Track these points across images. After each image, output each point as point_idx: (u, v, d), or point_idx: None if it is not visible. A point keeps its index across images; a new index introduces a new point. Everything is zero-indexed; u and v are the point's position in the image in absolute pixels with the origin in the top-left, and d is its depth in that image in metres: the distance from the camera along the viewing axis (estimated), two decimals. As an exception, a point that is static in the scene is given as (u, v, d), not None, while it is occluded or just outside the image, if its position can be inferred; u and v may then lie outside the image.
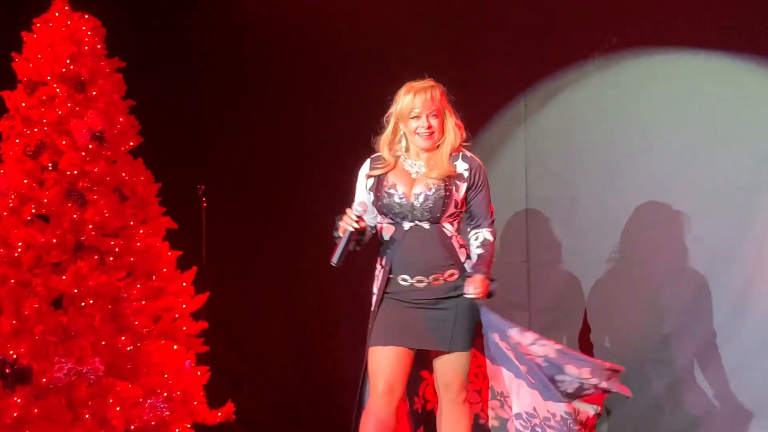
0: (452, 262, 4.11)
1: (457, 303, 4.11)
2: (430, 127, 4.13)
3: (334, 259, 4.04)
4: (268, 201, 6.18)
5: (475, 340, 4.17)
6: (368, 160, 4.25)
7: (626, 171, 5.57)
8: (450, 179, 4.12)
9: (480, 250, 4.18)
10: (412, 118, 4.13)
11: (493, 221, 4.26)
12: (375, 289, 4.16)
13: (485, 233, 4.22)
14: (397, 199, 4.11)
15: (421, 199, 4.09)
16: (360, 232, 4.06)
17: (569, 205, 5.69)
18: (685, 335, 5.44)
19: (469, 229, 4.25)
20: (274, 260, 6.18)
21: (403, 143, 4.21)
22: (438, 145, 4.17)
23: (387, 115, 4.20)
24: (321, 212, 5.95)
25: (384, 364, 4.04)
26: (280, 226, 6.13)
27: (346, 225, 4.03)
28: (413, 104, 4.11)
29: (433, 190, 4.10)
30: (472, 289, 4.06)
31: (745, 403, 5.31)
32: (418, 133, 4.13)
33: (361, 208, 4.07)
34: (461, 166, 4.16)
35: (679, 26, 5.46)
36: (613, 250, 5.58)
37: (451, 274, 4.11)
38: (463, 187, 4.14)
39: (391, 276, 4.11)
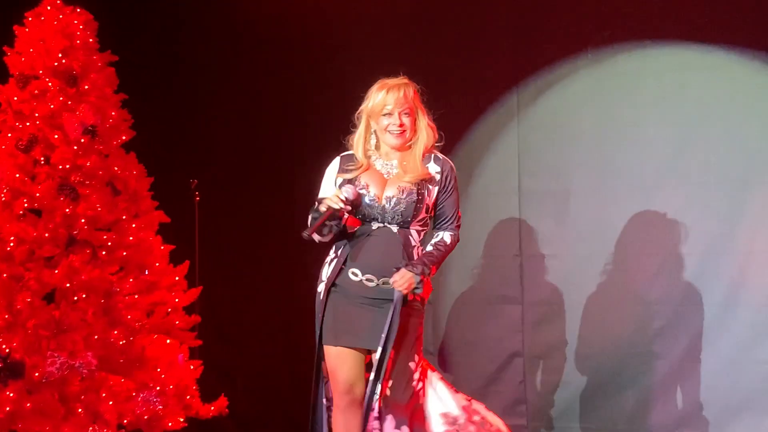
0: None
1: (396, 306, 4.04)
2: (402, 125, 4.08)
3: (306, 232, 4.00)
4: (260, 195, 6.18)
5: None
6: (338, 158, 4.19)
7: (619, 164, 5.58)
8: (423, 183, 4.08)
9: (429, 248, 4.12)
10: (384, 115, 4.08)
11: (458, 225, 4.20)
12: (324, 276, 4.12)
13: (445, 235, 4.16)
14: (368, 200, 4.06)
15: (393, 202, 4.05)
16: (339, 216, 4.01)
17: (562, 199, 5.69)
18: (677, 328, 5.45)
19: (433, 229, 4.22)
20: (267, 254, 6.18)
21: (373, 141, 4.16)
22: (410, 146, 4.12)
23: (358, 112, 4.16)
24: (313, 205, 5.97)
25: (338, 363, 4.07)
26: (272, 220, 6.13)
27: (332, 203, 3.99)
28: (385, 101, 4.06)
29: (406, 194, 4.06)
30: (397, 279, 3.98)
31: (737, 397, 5.32)
32: (389, 131, 4.09)
33: (351, 193, 4.01)
34: (433, 168, 4.13)
35: (672, 20, 5.46)
36: (606, 243, 5.59)
37: None
38: (435, 190, 4.11)
39: (343, 267, 4.08)
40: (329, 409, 4.18)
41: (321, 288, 4.14)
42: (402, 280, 3.99)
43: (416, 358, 4.10)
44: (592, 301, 5.62)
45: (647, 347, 5.51)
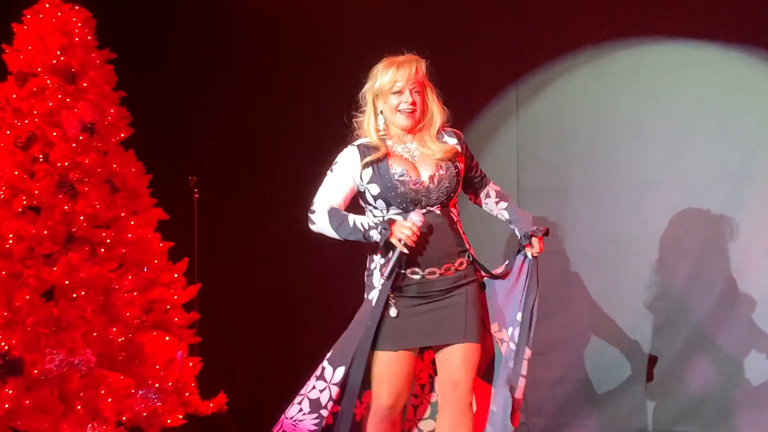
0: (462, 250, 3.91)
1: (467, 290, 3.91)
2: (414, 103, 3.86)
3: (386, 274, 3.80)
4: (259, 192, 6.18)
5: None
6: (354, 149, 3.91)
7: (617, 160, 5.58)
8: (453, 157, 3.92)
9: (504, 204, 4.09)
10: (394, 93, 3.86)
11: (488, 177, 4.18)
12: (377, 283, 3.87)
13: (493, 186, 4.14)
14: (412, 186, 3.82)
15: (436, 181, 3.85)
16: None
17: (560, 195, 5.69)
18: (677, 325, 5.45)
19: (477, 196, 4.15)
20: (266, 251, 6.18)
21: (381, 124, 3.93)
22: (421, 127, 3.93)
23: (362, 93, 3.94)
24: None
25: (391, 372, 3.84)
26: (271, 217, 6.13)
27: (406, 239, 3.74)
28: (395, 78, 3.84)
29: (445, 169, 3.87)
30: (536, 251, 3.98)
31: (737, 392, 5.32)
32: (399, 110, 3.87)
33: (420, 220, 3.79)
34: (451, 141, 3.97)
35: (671, 16, 5.46)
36: (604, 239, 5.59)
37: (461, 263, 3.90)
38: (464, 160, 3.98)
39: (401, 271, 3.84)
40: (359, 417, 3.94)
41: (374, 295, 3.86)
42: (538, 245, 3.98)
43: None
44: (590, 297, 5.62)
45: (646, 343, 5.51)
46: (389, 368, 3.84)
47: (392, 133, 3.94)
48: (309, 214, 3.92)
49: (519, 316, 3.97)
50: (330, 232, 3.87)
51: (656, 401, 5.48)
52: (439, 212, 3.87)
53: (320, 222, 3.89)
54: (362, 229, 3.81)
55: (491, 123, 5.82)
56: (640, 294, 5.52)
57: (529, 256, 4.00)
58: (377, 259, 3.90)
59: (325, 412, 3.87)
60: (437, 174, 3.87)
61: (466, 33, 5.81)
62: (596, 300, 5.62)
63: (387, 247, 3.81)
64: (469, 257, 3.93)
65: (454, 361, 3.88)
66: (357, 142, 3.94)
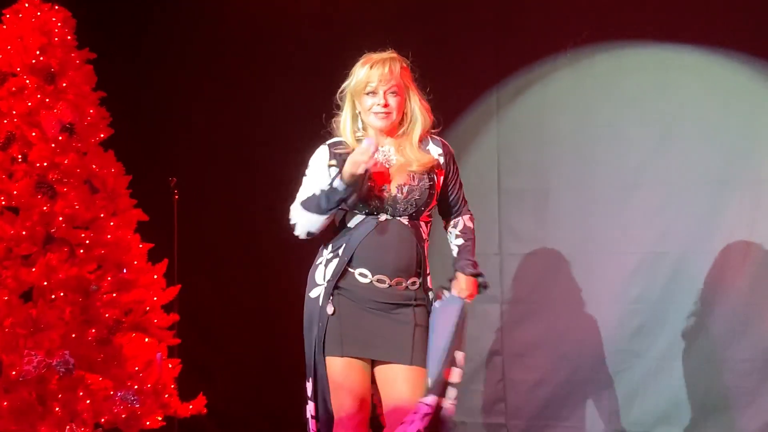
0: (419, 270, 3.67)
1: (416, 312, 3.65)
2: (386, 105, 3.62)
3: (352, 201, 3.54)
4: (239, 193, 6.17)
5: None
6: (325, 148, 3.70)
7: (597, 163, 5.60)
8: (431, 169, 3.68)
9: (460, 240, 3.76)
10: (367, 93, 3.63)
11: (468, 208, 3.86)
12: (320, 279, 3.65)
13: (465, 220, 3.80)
14: (377, 192, 3.60)
15: (405, 190, 3.62)
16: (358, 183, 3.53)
17: (541, 197, 5.71)
18: (656, 327, 5.47)
19: (447, 220, 3.86)
20: (246, 252, 6.17)
21: (360, 123, 3.71)
22: (403, 132, 3.69)
23: (341, 90, 3.72)
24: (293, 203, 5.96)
25: (348, 376, 3.59)
26: (251, 218, 6.12)
27: (361, 159, 3.47)
28: (369, 77, 3.61)
29: (417, 180, 3.63)
30: (464, 292, 3.65)
31: (715, 395, 5.35)
32: (373, 112, 3.63)
33: (372, 144, 3.51)
34: (435, 151, 3.72)
35: (651, 20, 5.49)
36: (585, 242, 5.61)
37: (413, 283, 3.66)
38: (441, 175, 3.72)
39: (348, 269, 3.62)
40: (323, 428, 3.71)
41: (319, 292, 3.65)
42: (471, 288, 3.67)
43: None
44: (571, 299, 5.63)
45: (626, 346, 5.53)
46: (341, 375, 3.61)
47: (370, 132, 3.71)
48: (289, 221, 3.71)
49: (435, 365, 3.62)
50: (312, 219, 3.63)
51: (636, 403, 5.50)
52: (406, 222, 3.64)
53: (297, 218, 3.67)
54: (327, 189, 3.58)
55: (472, 126, 5.83)
56: (619, 296, 5.54)
57: (446, 295, 3.69)
58: (325, 254, 3.69)
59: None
60: (408, 185, 3.63)
61: (447, 36, 5.82)
62: (576, 302, 5.63)
63: (351, 192, 3.55)
64: (422, 282, 3.68)
65: (399, 384, 3.60)
66: (329, 141, 3.75)
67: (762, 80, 5.31)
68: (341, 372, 3.61)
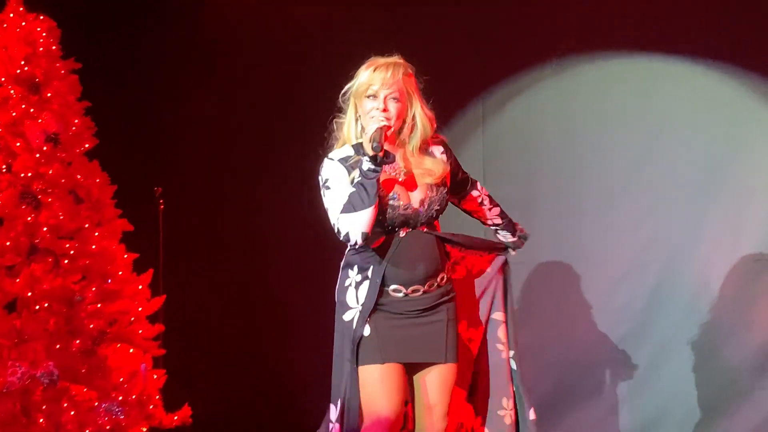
0: (444, 264, 3.73)
1: (448, 308, 3.71)
2: (386, 110, 3.57)
3: (378, 146, 3.46)
4: (225, 202, 6.16)
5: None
6: (337, 164, 3.63)
7: (583, 172, 5.61)
8: (444, 177, 3.70)
9: (497, 210, 4.01)
10: (368, 97, 3.59)
11: (473, 178, 3.94)
12: (353, 302, 3.63)
13: (482, 190, 3.95)
14: (402, 211, 3.60)
15: (426, 204, 3.64)
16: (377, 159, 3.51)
17: (526, 206, 5.69)
18: (641, 336, 5.48)
19: (461, 200, 3.93)
20: (231, 262, 6.16)
21: (361, 127, 3.66)
22: (404, 140, 3.67)
23: (344, 92, 3.66)
24: (279, 213, 5.97)
25: (386, 385, 3.57)
26: (237, 228, 6.11)
27: (383, 123, 3.52)
28: (371, 80, 3.57)
29: (435, 191, 3.65)
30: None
31: (700, 403, 5.36)
32: (372, 116, 3.57)
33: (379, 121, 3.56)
34: (437, 151, 3.74)
35: (635, 30, 5.51)
36: (571, 251, 5.62)
37: (443, 278, 3.71)
38: (448, 176, 3.75)
39: (383, 288, 3.61)
40: None
41: (353, 315, 3.62)
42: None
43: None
44: (556, 307, 5.64)
45: (612, 354, 5.53)
46: (380, 381, 3.58)
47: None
48: (340, 235, 3.59)
49: (497, 315, 3.91)
50: (360, 218, 3.52)
51: (622, 411, 5.51)
52: (424, 230, 3.66)
53: (347, 226, 3.55)
54: (360, 178, 3.52)
55: (457, 135, 5.82)
56: (605, 304, 5.55)
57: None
58: (353, 275, 3.67)
59: None
60: (428, 198, 3.65)
61: (432, 45, 5.82)
62: (562, 311, 5.64)
63: (380, 162, 3.52)
64: (447, 274, 3.74)
65: (432, 384, 3.68)
66: (336, 157, 3.66)
67: (745, 90, 5.34)
68: (380, 378, 3.58)
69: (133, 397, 4.93)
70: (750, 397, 5.28)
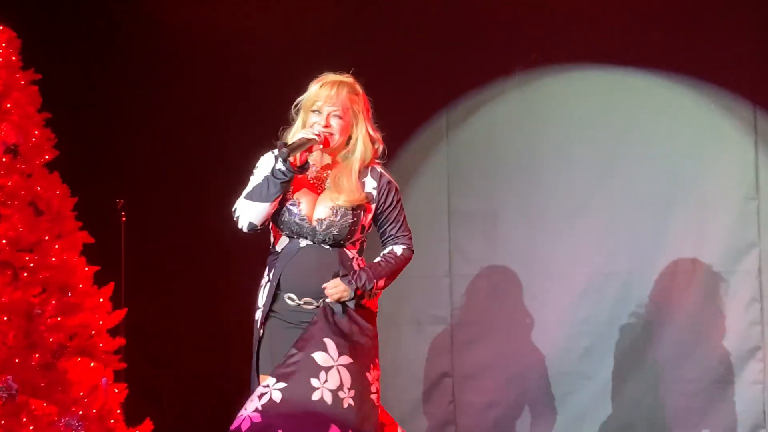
0: None
1: None
2: (327, 126, 3.66)
3: (285, 151, 3.54)
4: (187, 215, 6.13)
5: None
6: (271, 154, 3.74)
7: (546, 184, 5.65)
8: (359, 206, 3.70)
9: (377, 259, 3.77)
10: (313, 111, 3.69)
11: (410, 238, 3.82)
12: (260, 302, 3.77)
13: (396, 247, 3.80)
14: (297, 220, 3.69)
15: (324, 224, 3.68)
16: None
17: (491, 219, 5.74)
18: (605, 347, 5.51)
19: (383, 245, 3.85)
20: (194, 275, 6.12)
21: None
22: (343, 158, 3.72)
23: (296, 103, 3.77)
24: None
25: None
26: (199, 241, 6.08)
27: (306, 135, 3.58)
28: (317, 96, 3.68)
29: (339, 216, 3.68)
30: (329, 288, 3.64)
31: (665, 415, 5.40)
32: (310, 127, 3.67)
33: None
34: (370, 184, 3.75)
35: (597, 43, 5.57)
36: (534, 263, 5.65)
37: None
38: (372, 207, 3.74)
39: (278, 292, 3.71)
40: None
41: (258, 315, 3.78)
42: (333, 291, 3.65)
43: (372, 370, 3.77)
44: (520, 320, 5.66)
45: (575, 366, 5.56)
46: None
47: (315, 153, 3.73)
48: (234, 214, 3.73)
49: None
50: (255, 208, 3.65)
51: (585, 424, 5.53)
52: (328, 248, 3.70)
53: (240, 210, 3.70)
54: (269, 174, 3.63)
55: (422, 147, 5.85)
56: (567, 317, 5.57)
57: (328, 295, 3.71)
58: (265, 276, 3.78)
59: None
60: (328, 219, 3.68)
61: (397, 57, 5.84)
62: (525, 323, 5.66)
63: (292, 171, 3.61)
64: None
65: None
66: (275, 150, 3.71)
67: (705, 102, 5.41)
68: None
69: (94, 411, 4.87)
70: (712, 409, 5.32)
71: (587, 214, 5.56)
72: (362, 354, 3.74)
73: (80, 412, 4.83)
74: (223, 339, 5.98)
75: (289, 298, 3.71)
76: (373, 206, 3.76)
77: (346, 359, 3.67)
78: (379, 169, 3.79)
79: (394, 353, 5.84)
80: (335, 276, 3.69)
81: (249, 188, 3.74)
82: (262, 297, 3.78)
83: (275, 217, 3.73)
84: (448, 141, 5.83)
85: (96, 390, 4.91)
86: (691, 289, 5.40)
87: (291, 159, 3.61)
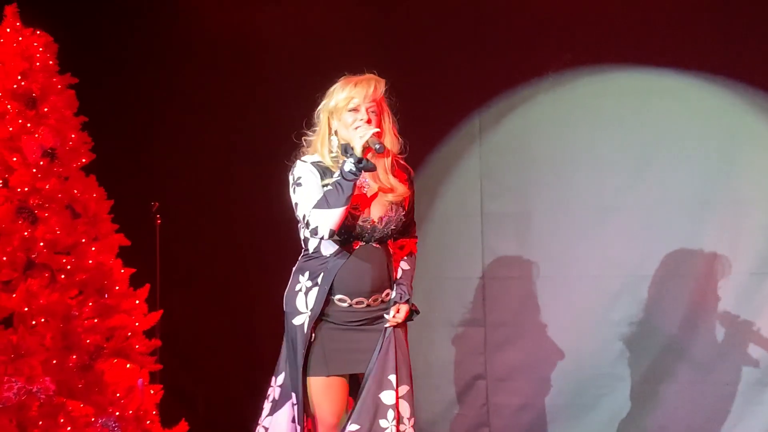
0: (390, 283, 3.90)
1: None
2: (369, 121, 3.72)
3: (381, 147, 3.62)
4: (222, 217, 6.16)
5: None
6: (311, 167, 3.78)
7: (579, 186, 5.63)
8: (403, 200, 3.85)
9: (406, 266, 3.93)
10: (350, 110, 3.74)
11: (415, 226, 4.01)
12: (303, 307, 3.81)
13: (412, 245, 3.99)
14: (360, 222, 3.77)
15: (384, 222, 3.79)
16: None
17: (523, 221, 5.72)
18: (639, 350, 5.48)
19: (393, 241, 3.95)
20: (228, 277, 6.15)
21: (334, 146, 3.79)
22: (375, 155, 3.75)
23: (316, 112, 3.84)
24: (276, 228, 5.95)
25: (328, 395, 3.81)
26: (234, 243, 6.11)
27: (367, 134, 3.62)
28: (352, 94, 3.73)
29: (395, 211, 3.81)
30: (396, 317, 3.83)
31: (698, 417, 5.36)
32: (357, 126, 3.72)
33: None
34: (401, 176, 3.87)
35: (630, 44, 5.54)
36: (568, 265, 5.62)
37: (387, 294, 3.88)
38: (408, 202, 3.89)
39: (329, 296, 3.79)
40: None
41: (303, 320, 3.81)
42: (401, 315, 3.84)
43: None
44: (554, 322, 5.64)
45: (609, 369, 5.54)
46: (325, 393, 3.82)
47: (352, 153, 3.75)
48: (308, 227, 3.72)
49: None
50: (333, 215, 3.67)
51: (619, 427, 5.51)
52: (377, 246, 3.82)
53: (318, 220, 3.69)
54: (339, 178, 3.67)
55: (454, 149, 5.85)
56: (602, 319, 5.55)
57: (387, 317, 3.86)
58: (303, 281, 3.84)
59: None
60: (387, 216, 3.81)
61: (429, 60, 5.84)
62: (559, 325, 5.64)
63: (361, 160, 3.66)
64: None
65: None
66: (309, 160, 3.82)
67: (740, 104, 5.37)
68: (323, 391, 3.82)
69: (130, 412, 4.91)
70: (748, 411, 5.28)
71: (621, 215, 5.53)
72: (410, 374, 3.94)
73: (117, 413, 4.87)
74: (258, 340, 6.01)
75: (341, 300, 3.80)
76: (409, 198, 3.88)
77: (405, 388, 3.88)
78: (401, 161, 3.91)
79: (427, 355, 5.84)
80: (395, 303, 3.85)
81: (310, 199, 3.73)
82: (308, 301, 3.82)
83: None
84: (481, 143, 5.82)
85: (132, 391, 4.95)
86: (727, 290, 5.35)
87: (382, 152, 3.69)
